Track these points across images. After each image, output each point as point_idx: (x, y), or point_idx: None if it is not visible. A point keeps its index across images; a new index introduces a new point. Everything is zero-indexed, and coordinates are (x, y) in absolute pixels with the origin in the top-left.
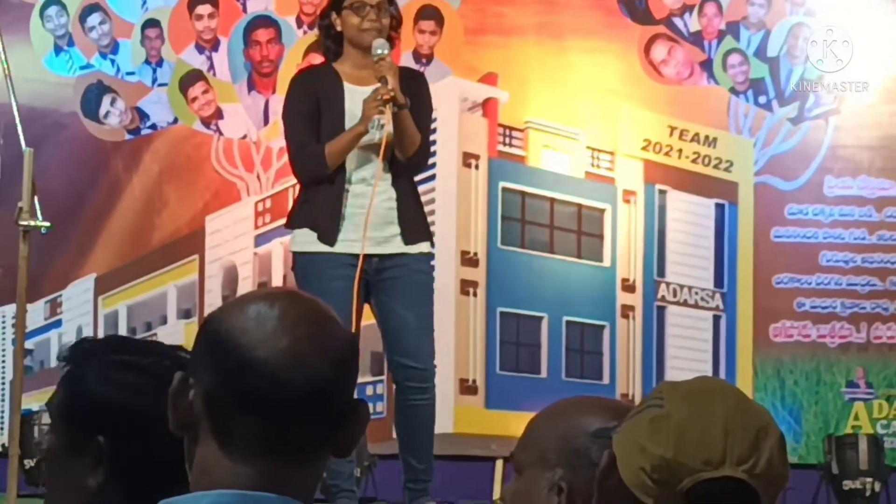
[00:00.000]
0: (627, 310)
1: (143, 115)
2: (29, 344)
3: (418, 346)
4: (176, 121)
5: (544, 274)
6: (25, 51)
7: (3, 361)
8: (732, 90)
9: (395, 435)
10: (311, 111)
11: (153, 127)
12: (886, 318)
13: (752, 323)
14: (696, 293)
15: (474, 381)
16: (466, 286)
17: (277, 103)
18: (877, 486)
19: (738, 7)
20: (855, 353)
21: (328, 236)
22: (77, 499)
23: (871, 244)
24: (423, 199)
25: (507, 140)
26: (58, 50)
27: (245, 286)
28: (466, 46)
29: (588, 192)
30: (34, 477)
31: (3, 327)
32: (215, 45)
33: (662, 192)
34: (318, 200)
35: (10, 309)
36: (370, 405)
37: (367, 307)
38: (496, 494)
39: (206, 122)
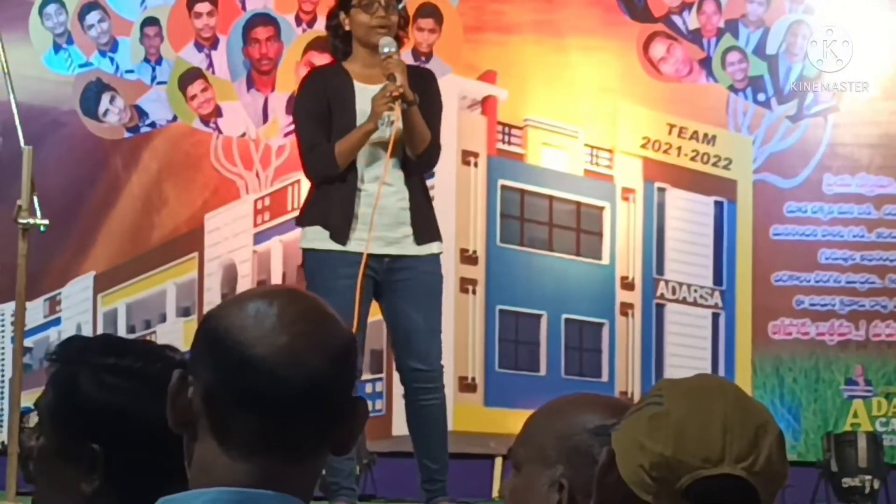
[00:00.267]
0: (626, 307)
1: (142, 113)
2: (28, 342)
3: (426, 348)
4: (175, 119)
5: (543, 272)
6: (24, 49)
7: (3, 359)
8: (731, 88)
9: (394, 433)
10: (322, 110)
11: (152, 125)
12: (885, 316)
13: (751, 320)
14: (695, 291)
15: (473, 378)
16: (465, 284)
17: (276, 101)
18: (876, 484)
19: (737, 5)
20: (854, 351)
21: (340, 234)
22: (69, 502)
23: (870, 242)
24: None
25: (506, 138)
26: (57, 48)
27: (244, 284)
28: (465, 44)
29: (587, 190)
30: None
31: (3, 325)
32: (214, 43)
33: (661, 190)
34: (330, 199)
35: (10, 307)
36: (369, 403)
37: (374, 305)
38: (495, 492)
39: (205, 120)
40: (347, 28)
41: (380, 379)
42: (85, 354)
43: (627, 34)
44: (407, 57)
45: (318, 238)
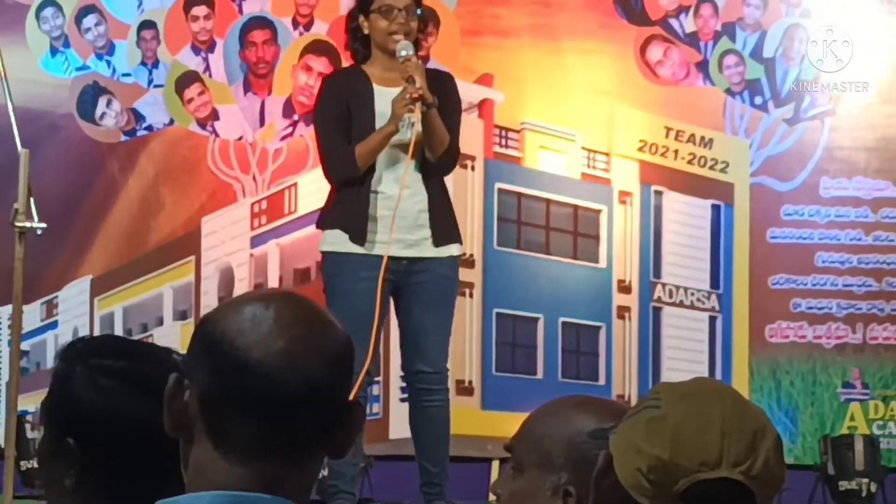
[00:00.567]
0: (623, 311)
1: (138, 117)
2: (25, 345)
3: (433, 350)
4: (172, 122)
5: (540, 275)
6: (21, 52)
7: (0, 363)
8: (728, 91)
9: (391, 437)
10: (342, 113)
11: (149, 128)
12: (882, 319)
13: (748, 324)
14: (692, 294)
15: (470, 382)
16: (462, 287)
17: (273, 104)
18: (873, 487)
19: (734, 8)
20: (851, 354)
21: (359, 237)
22: (60, 497)
23: (867, 245)
24: None
25: (503, 141)
26: (53, 51)
27: (241, 287)
28: (462, 48)
29: (584, 193)
30: (30, 478)
31: None
32: (211, 46)
33: (658, 193)
34: (349, 202)
35: (6, 310)
36: (367, 406)
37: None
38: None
39: (201, 124)
40: (366, 32)
41: (377, 382)
42: (81, 354)
43: (624, 37)
44: None
45: (338, 241)
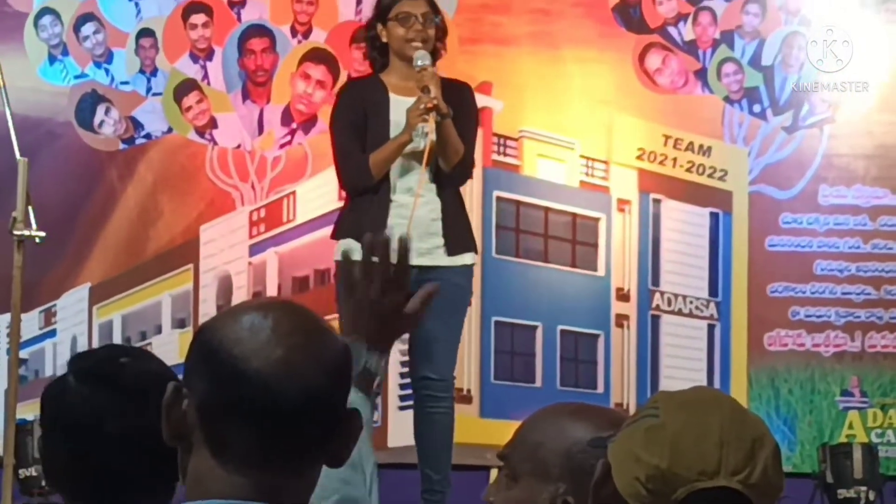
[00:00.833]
0: (622, 319)
1: (137, 125)
2: (23, 353)
3: (440, 358)
4: (170, 130)
5: (539, 283)
6: (20, 60)
7: None
8: (727, 99)
9: (389, 445)
10: (358, 121)
11: (147, 136)
12: (881, 327)
13: (746, 332)
14: (691, 302)
15: (469, 390)
16: None
17: (272, 112)
18: (871, 495)
19: (732, 16)
20: (849, 362)
21: None
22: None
23: (866, 253)
24: None
25: (502, 149)
26: (52, 59)
27: (239, 296)
28: (461, 55)
29: (582, 202)
30: (28, 486)
31: None
32: (210, 54)
33: (657, 201)
34: (363, 211)
35: (5, 318)
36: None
37: None
38: None
39: (200, 132)
40: (384, 40)
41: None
42: (75, 361)
43: (623, 45)
44: None
45: (352, 250)
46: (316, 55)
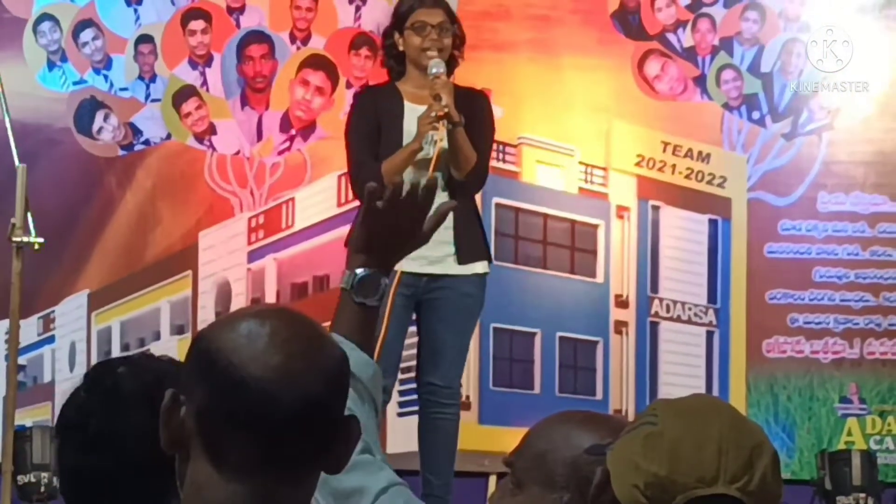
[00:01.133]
0: (621, 325)
1: (136, 131)
2: (22, 360)
3: (448, 366)
4: (169, 136)
5: (538, 290)
6: (18, 66)
7: None
8: (726, 106)
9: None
10: (372, 129)
11: (146, 143)
12: (880, 334)
13: (745, 339)
14: (690, 309)
15: (468, 396)
16: None
17: (271, 119)
18: (870, 502)
19: (731, 23)
20: (848, 369)
21: None
22: None
23: (865, 260)
24: None
25: (501, 156)
26: (51, 65)
27: (238, 302)
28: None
29: (581, 208)
30: (27, 493)
31: None
32: (208, 60)
33: (656, 208)
34: None
35: (3, 325)
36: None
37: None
38: None
39: (199, 138)
40: (401, 48)
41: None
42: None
43: (622, 52)
44: None
45: None
46: (315, 62)
